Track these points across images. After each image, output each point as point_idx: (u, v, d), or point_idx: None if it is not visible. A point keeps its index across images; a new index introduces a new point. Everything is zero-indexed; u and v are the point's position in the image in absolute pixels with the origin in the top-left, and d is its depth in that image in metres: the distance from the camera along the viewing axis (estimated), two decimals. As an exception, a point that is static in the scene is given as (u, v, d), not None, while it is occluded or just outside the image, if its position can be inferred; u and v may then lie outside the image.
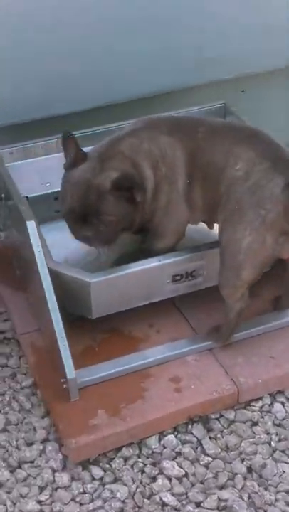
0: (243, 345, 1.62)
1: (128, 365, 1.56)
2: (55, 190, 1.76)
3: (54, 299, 1.49)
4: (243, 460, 1.47)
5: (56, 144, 1.79)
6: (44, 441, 1.50)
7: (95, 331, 1.64)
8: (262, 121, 1.77)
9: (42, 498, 1.41)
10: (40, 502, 1.41)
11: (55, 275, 1.52)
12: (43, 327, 1.60)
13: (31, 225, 1.51)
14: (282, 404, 1.57)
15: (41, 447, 1.49)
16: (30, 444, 1.50)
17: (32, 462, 1.47)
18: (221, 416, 1.54)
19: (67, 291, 1.55)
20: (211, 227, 1.68)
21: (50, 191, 1.79)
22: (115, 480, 1.44)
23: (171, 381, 1.55)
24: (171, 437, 1.50)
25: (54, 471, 1.45)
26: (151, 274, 1.58)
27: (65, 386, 1.51)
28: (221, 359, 1.59)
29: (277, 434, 1.52)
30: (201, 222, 1.68)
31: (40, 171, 1.79)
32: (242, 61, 2.12)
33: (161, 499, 1.40)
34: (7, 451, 1.49)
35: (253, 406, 1.56)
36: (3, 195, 1.71)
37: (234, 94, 2.20)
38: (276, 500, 1.41)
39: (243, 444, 1.49)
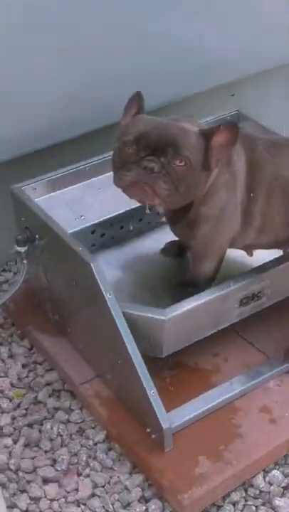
0: None
1: (214, 401, 1.46)
2: (91, 223, 1.67)
3: (134, 343, 1.37)
4: None
5: (82, 171, 1.68)
6: (142, 500, 1.39)
7: (160, 370, 1.53)
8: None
9: None
10: None
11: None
12: (115, 373, 1.47)
13: (97, 268, 1.38)
14: None
15: (144, 508, 1.36)
16: (128, 506, 1.37)
17: (137, 525, 1.35)
18: None
19: (135, 332, 1.43)
20: (251, 254, 1.61)
21: (86, 225, 1.66)
22: (231, 529, 1.35)
23: (262, 412, 1.46)
24: (275, 472, 1.42)
25: (165, 531, 1.34)
26: (222, 300, 1.48)
27: (153, 436, 1.40)
28: (304, 380, 1.53)
29: None
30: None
31: (70, 204, 1.65)
32: (237, 65, 2.06)
33: None
34: (105, 518, 1.36)
35: None
36: (37, 236, 1.56)
37: (225, 99, 2.14)
38: None
39: None
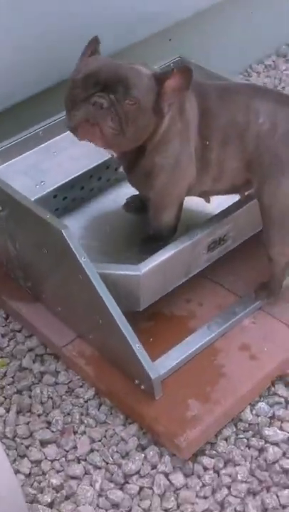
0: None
1: (195, 345, 1.52)
2: (52, 188, 1.67)
3: (113, 302, 1.41)
4: None
5: (35, 136, 1.68)
6: (139, 448, 1.45)
7: (138, 323, 1.56)
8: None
9: (168, 505, 1.36)
10: (167, 510, 1.36)
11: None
12: (97, 332, 1.51)
13: (68, 234, 1.40)
14: None
15: (143, 455, 1.42)
16: (126, 455, 1.43)
17: (138, 473, 1.41)
18: (297, 370, 1.56)
19: (112, 290, 1.46)
20: (208, 200, 1.64)
21: (47, 191, 1.66)
22: (227, 463, 1.42)
23: (242, 350, 1.53)
24: (261, 404, 1.49)
25: (166, 474, 1.40)
26: (192, 248, 1.53)
27: (142, 387, 1.45)
28: (276, 314, 1.59)
29: None
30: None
31: (28, 171, 1.66)
32: (172, 11, 2.06)
33: (281, 467, 1.40)
34: (107, 470, 1.41)
35: None
36: (0, 208, 1.56)
37: (163, 44, 2.15)
38: None
39: None
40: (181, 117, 1.49)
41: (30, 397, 1.54)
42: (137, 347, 1.42)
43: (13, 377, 1.59)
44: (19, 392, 1.56)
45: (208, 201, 1.65)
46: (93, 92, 1.36)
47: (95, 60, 1.43)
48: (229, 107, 1.50)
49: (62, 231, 1.40)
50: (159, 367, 1.47)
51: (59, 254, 1.46)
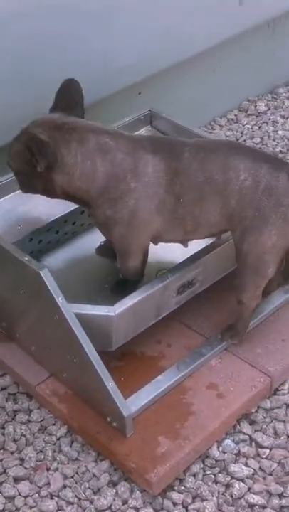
0: (255, 335, 1.69)
1: (165, 384, 1.56)
2: (28, 231, 1.73)
3: (88, 341, 1.46)
4: (295, 442, 1.56)
5: (9, 182, 1.73)
6: (111, 484, 1.48)
7: (110, 362, 1.60)
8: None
9: (139, 540, 1.40)
10: None
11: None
12: (70, 370, 1.54)
13: (46, 274, 1.45)
14: (303, 380, 1.68)
15: (114, 491, 1.46)
16: (98, 491, 1.46)
17: (110, 508, 1.44)
18: (258, 408, 1.61)
19: (86, 329, 1.50)
20: (186, 245, 1.69)
21: (24, 234, 1.72)
22: (195, 498, 1.46)
23: (209, 388, 1.58)
24: (227, 442, 1.54)
25: (137, 509, 1.43)
26: (162, 291, 1.59)
27: (114, 424, 1.49)
28: (241, 355, 1.65)
29: (312, 409, 1.62)
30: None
31: (6, 215, 1.71)
32: (142, 66, 2.15)
33: (247, 501, 1.45)
34: (79, 506, 1.44)
35: (282, 390, 1.64)
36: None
37: (133, 98, 2.23)
38: None
39: (288, 427, 1.58)
40: (136, 178, 1.55)
41: (3, 434, 1.57)
42: (111, 385, 1.46)
43: (-14, 416, 1.62)
44: (-8, 429, 1.59)
45: (185, 246, 1.70)
46: None
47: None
48: (205, 167, 1.55)
49: (40, 272, 1.45)
50: (131, 405, 1.51)
51: (36, 294, 1.50)
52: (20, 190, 1.67)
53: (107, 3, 1.99)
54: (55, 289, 1.45)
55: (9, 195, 1.73)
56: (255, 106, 2.61)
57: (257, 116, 2.58)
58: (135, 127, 1.94)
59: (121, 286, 1.69)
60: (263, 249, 1.56)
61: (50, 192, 1.59)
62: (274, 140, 2.46)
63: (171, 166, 1.56)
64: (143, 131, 1.96)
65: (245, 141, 2.48)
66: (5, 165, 1.78)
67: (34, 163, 1.52)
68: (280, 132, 2.49)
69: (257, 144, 2.45)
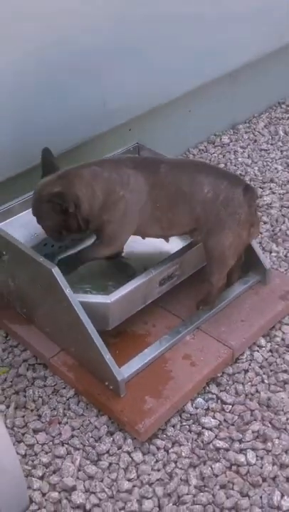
0: (220, 317, 1.70)
1: (150, 355, 1.58)
2: (42, 238, 1.73)
3: (90, 323, 1.47)
4: (251, 399, 1.57)
5: (28, 200, 1.73)
6: (108, 433, 1.49)
7: (107, 339, 1.59)
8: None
9: (130, 476, 1.41)
10: (130, 480, 1.40)
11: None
12: (77, 346, 1.56)
13: (57, 271, 1.46)
14: (257, 351, 1.69)
15: (111, 439, 1.47)
16: (99, 439, 1.48)
17: (108, 452, 1.46)
18: (223, 373, 1.63)
19: (88, 313, 1.52)
20: (167, 240, 1.72)
21: (39, 241, 1.72)
22: (174, 444, 1.48)
23: (185, 359, 1.59)
24: (199, 399, 1.55)
25: (129, 452, 1.45)
26: (148, 284, 1.60)
27: (111, 387, 1.51)
28: (210, 332, 1.66)
29: (264, 373, 1.64)
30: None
31: (25, 225, 1.71)
32: (132, 108, 2.17)
33: (214, 446, 1.47)
34: (84, 451, 1.46)
35: (242, 359, 1.66)
36: (4, 253, 1.62)
37: (125, 133, 2.25)
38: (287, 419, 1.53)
39: (246, 388, 1.59)
40: (123, 187, 1.57)
41: (24, 396, 1.58)
42: (108, 357, 1.47)
43: (11, 382, 1.62)
44: (17, 392, 1.59)
45: (167, 241, 1.71)
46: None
47: (33, 192, 1.63)
48: (176, 180, 1.58)
49: (52, 270, 1.47)
50: (124, 372, 1.52)
51: (49, 287, 1.51)
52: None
53: (102, 60, 2.00)
54: (63, 283, 1.47)
55: (26, 211, 1.72)
56: (220, 139, 2.62)
57: (222, 147, 2.59)
58: (126, 156, 1.95)
59: (72, 261, 1.67)
60: (222, 247, 1.58)
61: (78, 227, 1.61)
62: (235, 165, 2.47)
63: (149, 179, 1.58)
64: (132, 160, 1.98)
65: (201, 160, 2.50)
66: (23, 186, 1.80)
67: (65, 209, 1.54)
68: (239, 159, 2.50)
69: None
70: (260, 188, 2.36)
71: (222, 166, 2.48)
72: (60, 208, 1.55)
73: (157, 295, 1.67)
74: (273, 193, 2.32)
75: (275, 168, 2.46)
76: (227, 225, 1.56)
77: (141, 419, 1.45)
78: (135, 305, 1.62)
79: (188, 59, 2.29)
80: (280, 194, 2.31)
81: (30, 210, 1.70)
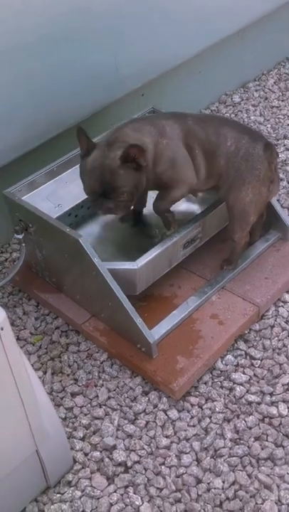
0: (244, 276, 1.68)
1: (179, 317, 1.57)
2: (66, 209, 1.70)
3: (119, 289, 1.46)
4: (279, 354, 1.57)
5: (51, 171, 1.71)
6: (143, 393, 1.50)
7: (136, 303, 1.59)
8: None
9: (168, 433, 1.42)
10: (167, 436, 1.42)
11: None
12: (107, 312, 1.55)
13: (84, 241, 1.45)
14: (282, 306, 1.67)
15: (146, 398, 1.48)
16: (134, 399, 1.49)
17: (144, 411, 1.47)
18: (250, 330, 1.62)
19: (116, 280, 1.51)
20: (196, 195, 1.69)
21: (63, 211, 1.69)
22: (207, 400, 1.48)
23: (212, 318, 1.59)
24: (228, 356, 1.55)
25: (165, 410, 1.46)
26: (172, 248, 1.58)
27: (143, 349, 1.51)
28: (235, 291, 1.65)
29: (290, 328, 1.63)
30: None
31: (48, 197, 1.68)
32: (144, 73, 2.11)
33: (246, 400, 1.47)
34: (121, 411, 1.47)
35: (267, 315, 1.65)
36: (30, 225, 1.60)
37: (138, 99, 2.19)
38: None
39: (273, 343, 1.59)
40: (164, 137, 1.52)
41: (60, 362, 1.58)
42: (139, 321, 1.47)
43: (46, 349, 1.62)
44: (52, 359, 1.60)
45: (196, 196, 1.69)
46: (99, 202, 1.51)
47: (85, 172, 1.50)
48: (204, 129, 1.55)
49: (79, 239, 1.45)
50: (155, 334, 1.52)
51: (77, 256, 1.50)
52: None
53: (113, 24, 1.93)
54: (91, 252, 1.45)
55: (50, 182, 1.71)
56: (232, 98, 2.55)
57: (233, 107, 2.52)
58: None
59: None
60: (243, 203, 1.55)
61: (145, 187, 1.54)
62: (248, 124, 2.41)
63: (182, 127, 1.54)
64: (148, 125, 1.94)
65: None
66: (43, 161, 1.77)
67: (141, 163, 1.46)
68: (252, 117, 2.43)
69: (235, 128, 2.42)
70: (275, 145, 2.30)
71: (235, 125, 2.42)
72: (136, 165, 1.46)
73: (181, 258, 1.65)
74: (288, 149, 2.27)
75: (288, 125, 2.40)
76: (247, 179, 1.53)
77: (174, 378, 1.45)
78: (161, 269, 1.61)
79: (196, 20, 2.21)
80: (293, 150, 2.26)
81: (52, 181, 1.68)
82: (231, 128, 1.55)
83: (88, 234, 1.71)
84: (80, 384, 1.53)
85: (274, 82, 2.64)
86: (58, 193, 1.69)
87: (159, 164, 1.53)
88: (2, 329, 0.95)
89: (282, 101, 2.54)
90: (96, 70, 1.93)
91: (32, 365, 1.58)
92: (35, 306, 1.75)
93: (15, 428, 1.14)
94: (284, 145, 2.29)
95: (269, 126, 2.39)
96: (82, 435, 1.42)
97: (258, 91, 2.61)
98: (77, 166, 1.73)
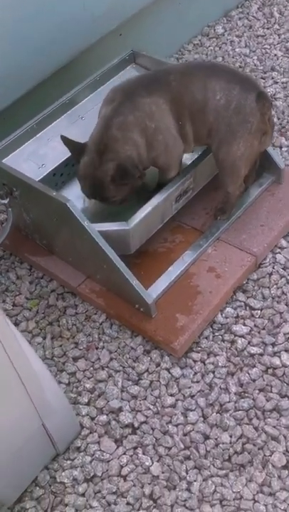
0: (239, 225, 1.63)
1: (175, 273, 1.52)
2: (51, 169, 1.61)
3: (112, 251, 1.41)
4: (279, 302, 1.54)
5: (31, 129, 1.61)
6: (145, 352, 1.48)
7: (131, 262, 1.54)
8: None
9: (172, 391, 1.40)
10: (172, 395, 1.41)
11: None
12: (102, 273, 1.50)
13: (72, 205, 1.38)
14: (279, 253, 1.63)
15: (148, 358, 1.46)
16: (136, 360, 1.46)
17: (147, 371, 1.44)
18: (248, 279, 1.58)
19: (108, 241, 1.45)
20: (191, 150, 1.60)
21: (48, 171, 1.58)
22: (209, 355, 1.46)
23: (209, 271, 1.54)
24: (228, 309, 1.52)
25: (168, 369, 1.44)
26: (164, 203, 1.51)
27: (142, 309, 1.47)
28: (230, 241, 1.59)
29: (288, 274, 1.59)
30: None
31: (30, 157, 1.59)
32: (119, 10, 1.95)
33: (248, 352, 1.45)
34: (124, 372, 1.45)
35: (265, 263, 1.60)
36: (14, 189, 1.52)
37: (115, 40, 2.05)
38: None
39: (272, 291, 1.55)
40: (152, 120, 1.44)
41: (59, 326, 1.55)
42: (135, 283, 1.43)
43: (43, 313, 1.58)
44: (50, 323, 1.56)
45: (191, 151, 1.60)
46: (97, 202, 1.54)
47: (80, 174, 1.49)
48: (190, 88, 1.45)
49: (67, 204, 1.38)
50: (152, 293, 1.48)
51: (66, 220, 1.43)
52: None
53: None
54: (80, 216, 1.38)
55: (31, 140, 1.61)
56: (214, 30, 2.39)
57: (217, 39, 2.37)
58: (122, 66, 1.77)
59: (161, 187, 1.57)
60: (234, 157, 1.48)
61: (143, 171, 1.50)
62: (233, 57, 2.27)
63: (167, 97, 1.45)
64: (128, 68, 1.80)
65: (209, 60, 2.30)
66: (21, 118, 1.66)
67: (133, 176, 1.45)
68: (237, 50, 2.29)
69: (218, 62, 2.28)
70: (262, 78, 2.18)
71: (219, 59, 2.28)
72: (126, 181, 1.45)
73: (174, 212, 1.58)
74: (276, 82, 2.15)
75: (275, 55, 2.26)
76: (239, 134, 1.44)
77: (175, 337, 1.42)
78: (154, 226, 1.54)
79: None
80: (283, 83, 2.14)
81: (32, 140, 1.59)
82: (219, 78, 1.44)
83: (77, 195, 1.61)
84: (81, 347, 1.50)
85: (258, 8, 2.47)
86: (40, 152, 1.60)
87: (153, 149, 1.46)
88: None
89: (268, 29, 2.39)
90: (66, 16, 1.78)
91: (31, 331, 1.56)
92: (28, 269, 1.69)
93: (17, 406, 1.12)
94: (272, 78, 2.17)
95: (255, 58, 2.26)
96: (87, 400, 1.40)
97: (242, 19, 2.44)
98: (59, 120, 1.64)
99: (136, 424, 1.37)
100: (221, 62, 2.25)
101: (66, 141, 1.48)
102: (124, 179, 1.44)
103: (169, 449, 1.33)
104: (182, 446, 1.32)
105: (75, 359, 1.49)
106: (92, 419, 1.39)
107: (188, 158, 1.61)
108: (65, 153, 1.60)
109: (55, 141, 1.60)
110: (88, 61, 1.92)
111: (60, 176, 1.64)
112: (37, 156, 1.59)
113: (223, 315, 1.51)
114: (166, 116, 1.45)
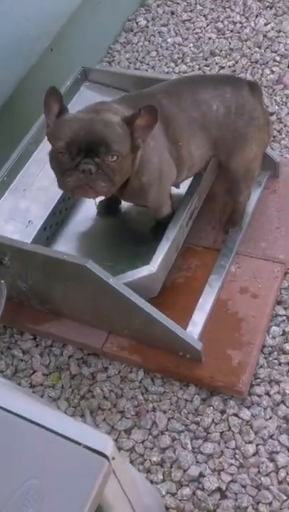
0: (253, 232, 1.49)
1: (209, 303, 1.36)
2: (40, 224, 1.39)
3: (147, 304, 1.23)
4: None
5: (5, 178, 1.38)
6: (203, 402, 1.30)
7: (154, 301, 1.33)
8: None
9: (249, 437, 1.24)
10: (250, 442, 1.23)
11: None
12: (133, 328, 1.31)
13: (92, 265, 1.17)
14: (300, 252, 1.52)
15: (210, 407, 1.28)
16: (197, 412, 1.28)
17: (214, 422, 1.26)
18: (281, 289, 1.45)
19: (135, 290, 1.26)
20: (178, 187, 1.41)
21: (38, 228, 1.37)
22: (271, 384, 1.30)
23: (243, 293, 1.39)
24: (273, 328, 1.36)
25: (235, 414, 1.26)
26: (179, 231, 1.34)
27: (188, 356, 1.30)
28: (251, 253, 1.45)
29: None
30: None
31: (11, 214, 1.35)
32: (51, 25, 1.73)
33: None
34: (189, 430, 1.27)
35: (291, 267, 1.49)
36: (5, 257, 1.28)
37: (49, 57, 1.82)
38: None
39: (309, 296, 1.44)
40: (151, 136, 1.22)
41: (94, 397, 1.35)
42: (178, 331, 1.25)
43: (70, 387, 1.37)
44: (83, 397, 1.35)
45: (178, 187, 1.42)
46: (79, 159, 1.12)
47: (68, 123, 1.15)
48: (183, 108, 1.27)
49: (86, 265, 1.17)
50: (192, 334, 1.31)
51: (84, 281, 1.22)
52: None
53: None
54: (104, 274, 1.18)
55: (5, 195, 1.38)
56: (137, 23, 2.22)
57: (142, 32, 2.19)
58: (76, 86, 1.56)
59: (158, 228, 1.39)
60: (247, 161, 1.34)
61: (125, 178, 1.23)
62: (167, 49, 2.11)
63: (161, 116, 1.23)
64: (82, 87, 1.59)
65: (144, 57, 2.13)
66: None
67: (139, 140, 1.17)
68: (168, 40, 2.13)
69: (154, 57, 2.11)
70: (206, 66, 2.04)
71: (154, 54, 2.11)
72: (134, 141, 1.17)
73: (186, 234, 1.42)
74: (222, 67, 2.02)
75: (210, 38, 2.12)
76: (248, 136, 1.30)
77: (237, 377, 1.27)
78: (172, 259, 1.37)
79: None
80: (229, 67, 2.01)
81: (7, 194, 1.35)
82: (204, 87, 1.28)
83: (70, 242, 1.42)
84: (129, 415, 1.31)
85: (173, -9, 2.33)
86: (22, 207, 1.37)
87: (145, 172, 1.25)
88: (114, 458, 0.70)
89: (191, 11, 2.24)
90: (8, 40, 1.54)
91: (65, 412, 1.34)
92: (32, 339, 1.47)
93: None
94: (216, 63, 2.03)
95: (191, 45, 2.10)
96: (161, 476, 1.23)
97: (161, 6, 2.28)
98: (29, 163, 1.42)
99: (223, 487, 1.21)
100: (154, 57, 2.09)
101: (54, 92, 1.17)
102: (137, 127, 1.16)
103: (270, 504, 1.19)
104: (284, 497, 1.19)
105: (127, 431, 1.30)
106: (173, 495, 1.22)
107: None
108: (49, 203, 1.40)
109: (33, 190, 1.38)
110: (33, 89, 1.69)
111: (50, 228, 1.43)
112: (20, 213, 1.37)
113: (270, 335, 1.38)
114: (161, 136, 1.26)
